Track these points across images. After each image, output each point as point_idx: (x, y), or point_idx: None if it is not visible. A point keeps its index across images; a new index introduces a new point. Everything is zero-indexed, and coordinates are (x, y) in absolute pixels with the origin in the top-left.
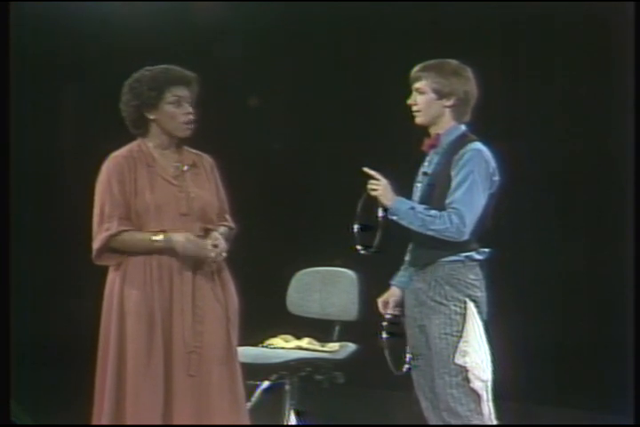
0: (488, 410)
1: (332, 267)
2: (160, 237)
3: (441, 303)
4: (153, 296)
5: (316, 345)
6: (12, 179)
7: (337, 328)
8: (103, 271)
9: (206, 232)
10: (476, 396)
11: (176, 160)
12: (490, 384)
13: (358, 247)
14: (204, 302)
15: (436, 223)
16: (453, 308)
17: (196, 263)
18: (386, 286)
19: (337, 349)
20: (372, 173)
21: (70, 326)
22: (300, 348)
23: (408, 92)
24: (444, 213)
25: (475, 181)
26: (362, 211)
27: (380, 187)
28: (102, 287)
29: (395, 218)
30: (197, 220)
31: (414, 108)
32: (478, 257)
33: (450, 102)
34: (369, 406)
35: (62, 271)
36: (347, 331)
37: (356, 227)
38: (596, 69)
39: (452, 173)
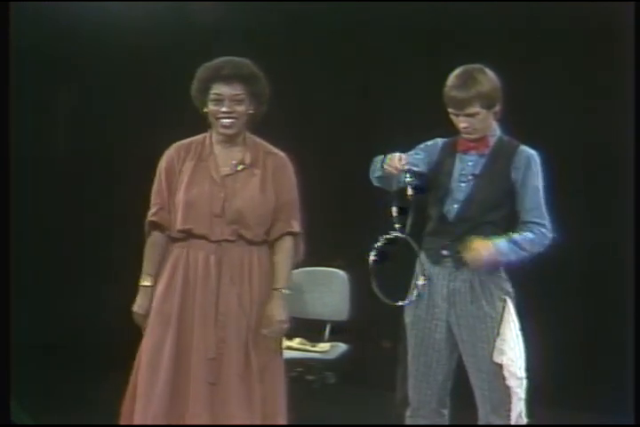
0: (519, 408)
1: (324, 267)
2: (146, 282)
3: (487, 305)
4: (173, 297)
5: (307, 345)
6: (11, 178)
7: (328, 328)
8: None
9: (239, 238)
10: (511, 394)
11: (235, 158)
12: (525, 382)
13: (396, 227)
14: (228, 309)
15: (537, 245)
16: (499, 309)
17: (222, 267)
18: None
19: (328, 349)
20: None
21: (70, 327)
22: (291, 348)
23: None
24: (534, 229)
25: (542, 187)
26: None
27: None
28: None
29: (503, 258)
30: (231, 223)
31: (470, 130)
32: None
33: (497, 108)
34: (360, 406)
35: (63, 271)
36: (338, 331)
37: (394, 209)
38: (596, 69)
39: (514, 177)
